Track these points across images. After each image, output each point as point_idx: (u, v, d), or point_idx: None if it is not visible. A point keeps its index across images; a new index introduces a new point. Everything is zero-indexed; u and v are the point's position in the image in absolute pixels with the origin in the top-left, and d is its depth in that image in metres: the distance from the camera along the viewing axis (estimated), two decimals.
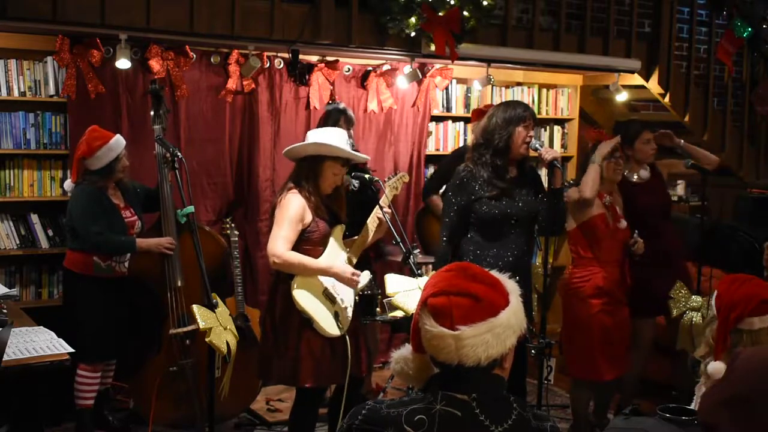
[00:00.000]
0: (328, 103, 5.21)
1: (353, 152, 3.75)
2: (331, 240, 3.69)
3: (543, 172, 5.12)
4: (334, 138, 3.65)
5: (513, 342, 1.79)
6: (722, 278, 2.73)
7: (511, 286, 1.85)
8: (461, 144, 6.07)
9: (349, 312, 3.70)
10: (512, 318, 1.78)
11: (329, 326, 3.57)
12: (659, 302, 4.40)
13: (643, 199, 4.51)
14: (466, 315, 1.75)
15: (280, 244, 3.51)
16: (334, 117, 4.62)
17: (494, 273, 1.87)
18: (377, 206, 3.75)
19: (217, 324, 3.56)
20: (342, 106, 4.84)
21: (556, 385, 5.38)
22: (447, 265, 1.90)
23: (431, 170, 6.09)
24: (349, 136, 4.46)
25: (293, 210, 3.54)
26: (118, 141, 4.20)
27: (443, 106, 6.06)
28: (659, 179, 4.72)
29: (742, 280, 2.61)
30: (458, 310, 1.76)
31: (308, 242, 3.61)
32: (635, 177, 4.61)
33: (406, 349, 1.91)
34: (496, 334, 1.75)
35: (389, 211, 3.74)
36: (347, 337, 3.60)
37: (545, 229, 3.89)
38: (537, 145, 3.81)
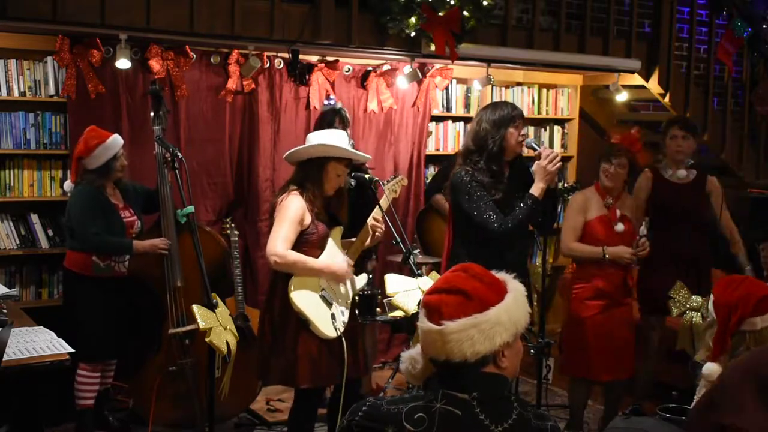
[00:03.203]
0: (326, 101, 5.21)
1: (357, 152, 3.78)
2: (330, 241, 3.69)
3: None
4: (338, 139, 3.68)
5: (505, 339, 1.78)
6: (717, 281, 2.72)
7: (514, 286, 1.85)
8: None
9: (346, 314, 3.70)
10: (503, 315, 1.78)
11: (326, 328, 3.57)
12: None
13: (671, 198, 4.52)
14: (453, 311, 1.77)
15: (280, 244, 3.52)
16: (329, 118, 4.59)
17: (500, 274, 1.88)
18: (376, 208, 3.75)
19: (217, 324, 3.56)
20: (338, 105, 4.82)
21: (556, 385, 5.38)
22: (455, 266, 1.91)
23: (432, 170, 6.09)
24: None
25: (293, 211, 3.55)
26: (116, 140, 4.20)
27: (443, 106, 6.06)
28: (700, 184, 4.62)
29: (738, 281, 2.60)
30: (447, 307, 1.78)
31: (306, 244, 3.61)
32: (669, 174, 4.61)
33: (415, 350, 1.92)
34: (481, 330, 1.76)
35: (382, 228, 3.74)
36: (343, 338, 3.59)
37: (537, 227, 3.90)
38: (533, 144, 3.80)
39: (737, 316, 2.50)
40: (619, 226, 4.22)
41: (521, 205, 3.65)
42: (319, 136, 3.69)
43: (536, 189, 3.66)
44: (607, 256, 4.15)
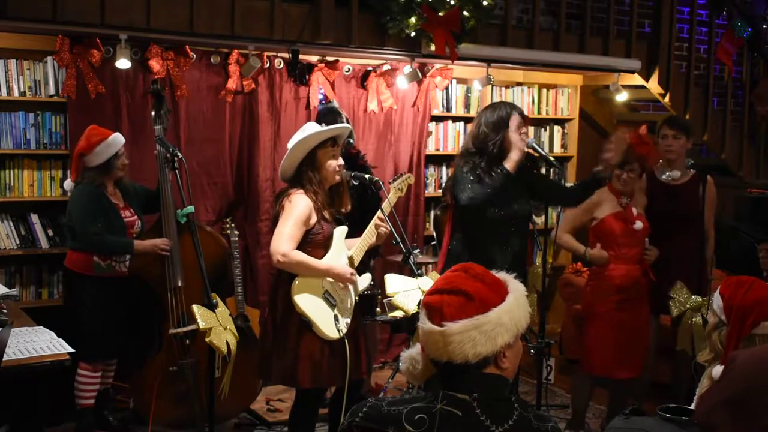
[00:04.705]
0: (321, 103, 5.21)
1: (333, 126, 3.72)
2: (334, 241, 3.68)
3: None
4: (308, 129, 3.66)
5: (506, 340, 1.78)
6: (724, 281, 2.71)
7: (514, 287, 1.85)
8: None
9: (349, 315, 3.70)
10: (504, 316, 1.78)
11: (328, 329, 3.55)
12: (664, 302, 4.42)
13: (662, 199, 4.47)
14: (455, 312, 1.76)
15: (285, 243, 3.49)
16: (329, 119, 4.56)
17: (501, 274, 1.87)
18: (380, 210, 3.74)
19: (217, 324, 3.56)
20: (336, 106, 4.82)
21: (556, 385, 5.38)
22: (455, 266, 1.90)
23: (432, 170, 6.10)
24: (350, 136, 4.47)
25: (300, 210, 3.53)
26: (117, 138, 4.21)
27: (443, 106, 6.06)
28: (695, 186, 4.48)
29: (748, 283, 2.59)
30: (448, 308, 1.77)
31: (311, 244, 3.59)
32: (663, 175, 4.55)
33: (415, 349, 1.92)
34: (483, 331, 1.75)
35: (387, 228, 3.73)
36: (346, 340, 3.59)
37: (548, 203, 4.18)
38: (534, 144, 3.80)
39: (753, 320, 2.50)
40: (638, 224, 4.26)
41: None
42: (291, 142, 3.66)
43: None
44: (587, 256, 4.25)
